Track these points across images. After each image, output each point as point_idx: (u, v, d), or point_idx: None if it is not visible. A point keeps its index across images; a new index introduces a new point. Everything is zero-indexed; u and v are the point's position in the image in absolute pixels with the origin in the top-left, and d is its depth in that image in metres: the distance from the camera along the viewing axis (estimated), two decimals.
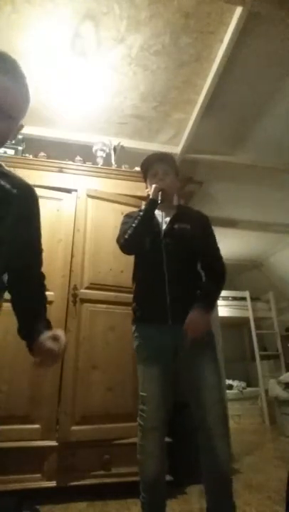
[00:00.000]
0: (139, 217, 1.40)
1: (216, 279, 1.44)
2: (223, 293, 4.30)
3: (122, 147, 2.67)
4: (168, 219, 1.49)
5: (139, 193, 2.45)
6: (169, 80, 2.24)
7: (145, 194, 2.49)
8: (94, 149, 2.60)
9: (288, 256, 4.91)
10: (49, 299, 1.98)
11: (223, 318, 3.89)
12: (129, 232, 1.40)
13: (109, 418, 1.89)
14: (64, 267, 2.08)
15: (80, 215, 2.24)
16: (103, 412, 1.89)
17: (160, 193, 1.43)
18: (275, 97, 2.34)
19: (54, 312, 1.97)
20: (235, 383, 5.08)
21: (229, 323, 5.08)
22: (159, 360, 1.34)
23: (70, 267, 2.09)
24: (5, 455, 1.67)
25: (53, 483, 1.70)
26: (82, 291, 2.06)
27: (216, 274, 1.45)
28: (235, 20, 1.76)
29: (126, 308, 2.11)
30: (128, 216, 1.56)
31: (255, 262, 5.51)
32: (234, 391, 4.90)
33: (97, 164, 2.53)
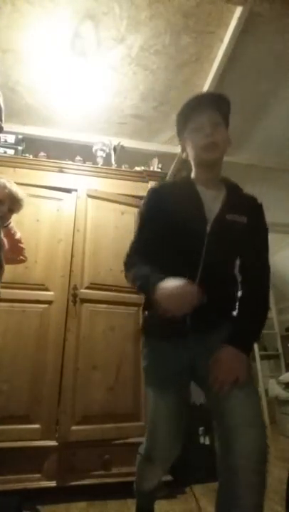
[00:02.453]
0: (137, 284, 0.99)
1: (260, 303, 1.02)
2: None
3: (122, 147, 2.67)
4: (217, 204, 1.02)
5: (139, 193, 2.45)
6: (169, 80, 2.24)
7: (145, 194, 2.53)
8: (94, 149, 2.60)
9: (288, 256, 4.91)
10: (49, 299, 1.99)
11: None
12: (134, 273, 1.01)
13: (109, 418, 1.88)
14: (64, 267, 2.08)
15: (80, 215, 2.24)
16: (103, 412, 1.89)
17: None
18: (275, 96, 2.34)
19: (54, 312, 1.97)
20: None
21: None
22: (174, 386, 1.02)
23: (70, 267, 2.09)
24: (5, 455, 1.67)
25: (53, 483, 1.70)
26: (82, 291, 2.06)
27: (262, 296, 1.03)
28: (236, 20, 1.76)
29: (126, 308, 2.11)
30: (149, 209, 1.09)
31: None
32: None
33: (97, 164, 2.53)
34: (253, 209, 1.07)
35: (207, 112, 1.00)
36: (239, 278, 1.07)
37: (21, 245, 1.77)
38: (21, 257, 1.79)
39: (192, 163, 1.07)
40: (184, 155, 1.09)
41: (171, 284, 0.85)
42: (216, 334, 0.96)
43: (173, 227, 0.99)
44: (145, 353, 1.09)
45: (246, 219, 1.00)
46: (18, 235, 1.74)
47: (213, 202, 1.01)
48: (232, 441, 0.83)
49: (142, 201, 1.15)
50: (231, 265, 1.06)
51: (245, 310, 1.01)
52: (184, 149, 1.09)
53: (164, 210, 1.03)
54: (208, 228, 0.97)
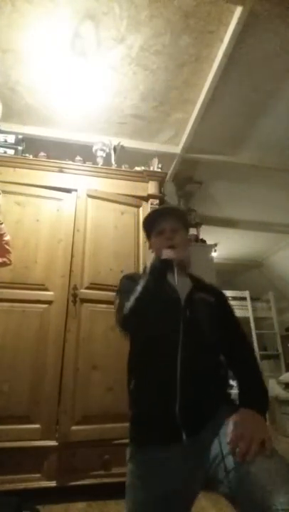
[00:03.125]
0: (148, 276, 1.04)
1: (256, 367, 1.03)
2: None
3: (122, 147, 2.67)
4: (186, 287, 1.11)
5: (139, 193, 2.45)
6: (169, 80, 2.24)
7: (145, 194, 2.55)
8: (94, 149, 2.60)
9: (288, 256, 4.91)
10: (49, 299, 1.99)
11: None
12: (134, 295, 1.01)
13: (109, 418, 1.88)
14: (64, 267, 2.08)
15: (80, 215, 2.23)
16: (103, 412, 1.88)
17: (172, 251, 1.08)
18: (275, 96, 2.34)
19: (54, 312, 1.97)
20: (235, 383, 5.07)
21: None
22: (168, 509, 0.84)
23: (70, 267, 2.09)
24: (5, 455, 1.67)
25: (52, 483, 1.70)
26: (82, 291, 2.06)
27: (256, 361, 1.06)
28: (236, 20, 1.76)
29: None
30: (129, 279, 1.21)
31: (255, 262, 5.51)
32: (234, 391, 4.89)
33: (97, 164, 2.53)
34: (218, 294, 1.19)
35: (168, 220, 1.20)
36: (224, 356, 1.07)
37: (7, 247, 1.75)
38: (5, 259, 1.75)
39: None
40: (152, 252, 1.25)
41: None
42: (212, 423, 0.86)
43: (150, 303, 1.03)
44: (129, 469, 0.91)
45: (214, 299, 1.11)
46: (7, 237, 1.72)
47: (182, 285, 1.12)
48: (268, 496, 0.63)
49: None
50: (213, 350, 1.03)
51: (248, 371, 1.01)
52: (151, 248, 1.27)
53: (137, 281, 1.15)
54: (183, 303, 1.05)
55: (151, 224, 1.24)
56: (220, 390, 0.98)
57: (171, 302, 1.05)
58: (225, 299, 1.20)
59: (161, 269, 1.06)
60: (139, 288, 1.02)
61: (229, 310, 1.16)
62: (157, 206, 2.43)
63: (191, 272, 1.26)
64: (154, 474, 0.85)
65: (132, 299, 1.01)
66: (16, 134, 2.44)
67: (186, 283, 1.15)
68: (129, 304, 1.01)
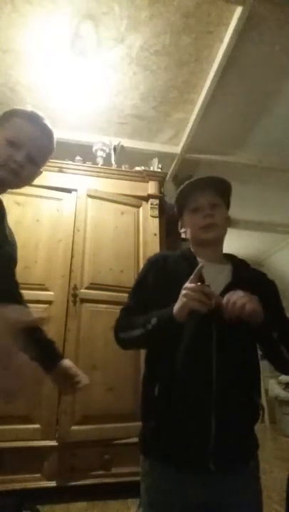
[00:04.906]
0: (152, 323, 0.83)
1: None
2: None
3: (122, 147, 2.67)
4: (222, 279, 0.91)
5: (139, 193, 2.45)
6: (169, 80, 2.24)
7: (145, 194, 2.55)
8: (94, 149, 2.60)
9: (288, 256, 4.91)
10: (49, 299, 1.99)
11: None
12: (131, 334, 0.88)
13: (109, 418, 1.88)
14: (64, 267, 2.08)
15: (80, 215, 2.24)
16: (103, 412, 1.88)
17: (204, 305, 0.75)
18: (275, 96, 2.34)
19: (54, 312, 1.97)
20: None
21: None
22: None
23: (70, 266, 2.09)
24: (5, 455, 1.67)
25: (52, 483, 1.70)
26: (82, 291, 2.06)
27: None
28: (235, 20, 1.76)
29: None
30: (151, 271, 0.97)
31: (255, 261, 5.51)
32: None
33: (97, 164, 2.53)
34: (265, 286, 0.98)
35: (206, 193, 0.97)
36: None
37: None
38: None
39: (190, 242, 1.02)
40: (183, 234, 1.04)
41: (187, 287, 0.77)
42: (241, 479, 0.79)
43: (168, 303, 0.82)
44: (145, 487, 0.83)
45: (257, 299, 0.82)
46: None
47: (216, 277, 0.90)
48: None
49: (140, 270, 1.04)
50: (253, 362, 0.88)
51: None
52: (182, 227, 1.05)
53: (163, 283, 0.92)
54: (214, 306, 0.78)
55: (184, 198, 1.00)
56: (253, 421, 0.85)
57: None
58: (274, 293, 0.99)
59: (165, 321, 0.81)
60: (137, 330, 0.86)
61: (276, 312, 0.90)
62: (157, 206, 2.43)
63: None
64: (171, 494, 0.78)
65: (126, 336, 0.88)
66: None
67: (221, 272, 0.94)
68: (122, 334, 0.90)
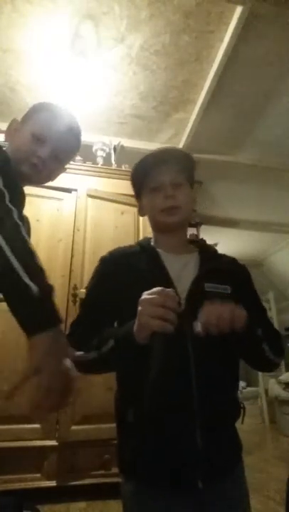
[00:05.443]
0: (109, 345, 0.72)
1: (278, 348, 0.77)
2: None
3: (122, 147, 2.67)
4: (189, 272, 0.79)
5: None
6: (169, 80, 2.24)
7: None
8: (94, 149, 2.60)
9: (288, 256, 4.91)
10: None
11: None
12: (84, 357, 0.77)
13: (109, 418, 1.87)
14: (64, 267, 2.08)
15: (80, 214, 2.24)
16: (103, 412, 1.88)
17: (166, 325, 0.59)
18: (275, 96, 2.34)
19: None
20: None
21: None
22: None
23: (70, 266, 2.09)
24: (5, 455, 1.67)
25: (52, 483, 1.70)
26: (82, 290, 2.06)
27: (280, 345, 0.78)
28: (236, 20, 1.76)
29: None
30: (103, 273, 0.87)
31: (255, 261, 5.51)
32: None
33: (97, 164, 2.53)
34: (237, 273, 0.87)
35: (168, 170, 0.82)
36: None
37: None
38: None
39: (151, 226, 0.89)
40: (142, 215, 0.92)
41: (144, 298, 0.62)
42: (230, 483, 0.73)
43: (129, 307, 0.67)
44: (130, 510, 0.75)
45: (230, 288, 0.76)
46: None
47: (182, 270, 0.79)
48: None
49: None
50: (231, 360, 0.76)
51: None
52: (141, 210, 0.91)
53: (121, 285, 0.78)
54: (184, 306, 0.69)
55: (143, 175, 0.85)
56: (236, 420, 0.77)
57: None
58: (248, 278, 0.88)
59: (124, 345, 0.68)
60: (92, 352, 0.75)
61: (252, 303, 0.80)
62: None
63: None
64: None
65: (78, 359, 0.70)
66: None
67: (188, 264, 0.81)
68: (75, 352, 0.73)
